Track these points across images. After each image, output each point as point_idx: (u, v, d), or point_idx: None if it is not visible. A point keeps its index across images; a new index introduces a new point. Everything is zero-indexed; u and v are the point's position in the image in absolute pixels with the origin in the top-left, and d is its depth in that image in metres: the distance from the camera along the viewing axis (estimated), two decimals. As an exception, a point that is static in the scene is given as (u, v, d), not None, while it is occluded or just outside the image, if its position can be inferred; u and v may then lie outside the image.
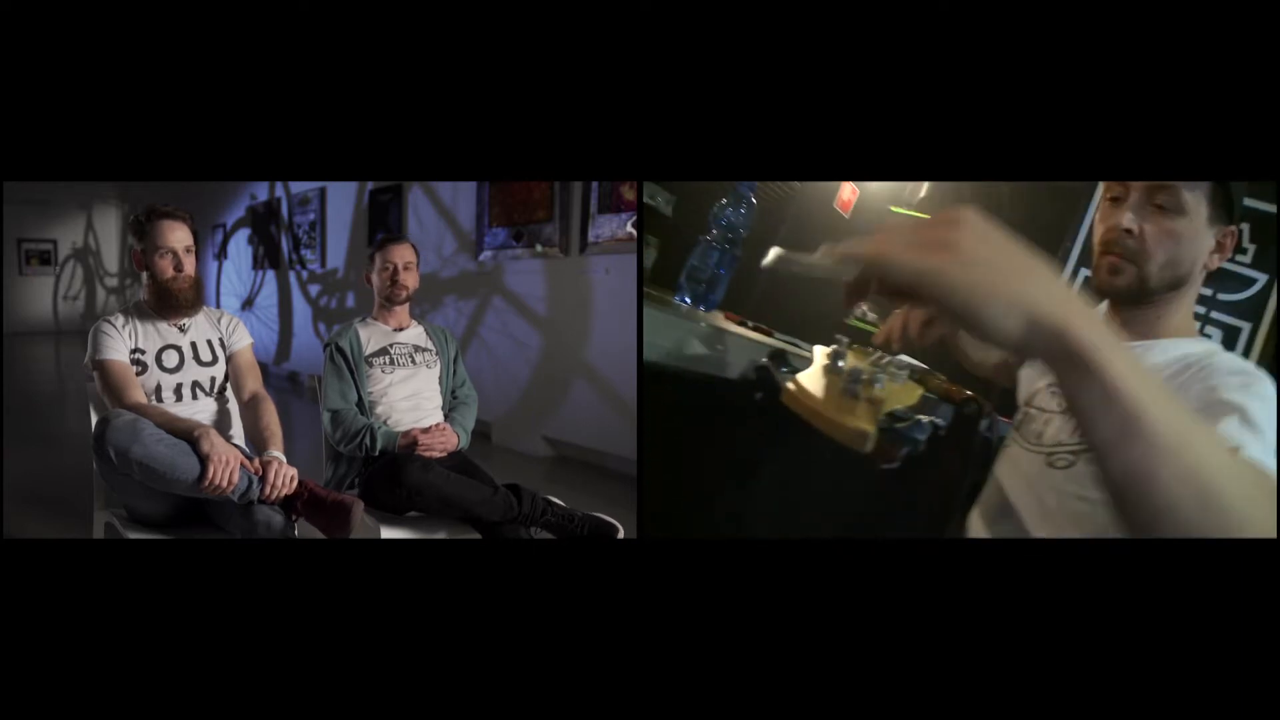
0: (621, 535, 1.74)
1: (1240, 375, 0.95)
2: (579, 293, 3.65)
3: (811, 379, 0.69)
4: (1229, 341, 2.50)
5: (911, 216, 1.99)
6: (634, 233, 3.37)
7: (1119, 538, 0.87)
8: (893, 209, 3.33)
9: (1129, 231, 1.08)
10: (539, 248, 3.87)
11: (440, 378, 1.96)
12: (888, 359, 0.95)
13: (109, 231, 9.24)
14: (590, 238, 3.60)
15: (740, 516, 1.58)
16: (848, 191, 3.34)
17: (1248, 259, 2.59)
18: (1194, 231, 1.07)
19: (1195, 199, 1.05)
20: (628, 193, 3.42)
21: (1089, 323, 0.52)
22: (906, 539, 1.08)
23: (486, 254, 4.21)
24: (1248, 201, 2.41)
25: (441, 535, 1.72)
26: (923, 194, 3.28)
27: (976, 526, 1.23)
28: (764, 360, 1.13)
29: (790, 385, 0.56)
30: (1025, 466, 1.17)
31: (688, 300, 1.59)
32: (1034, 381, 1.31)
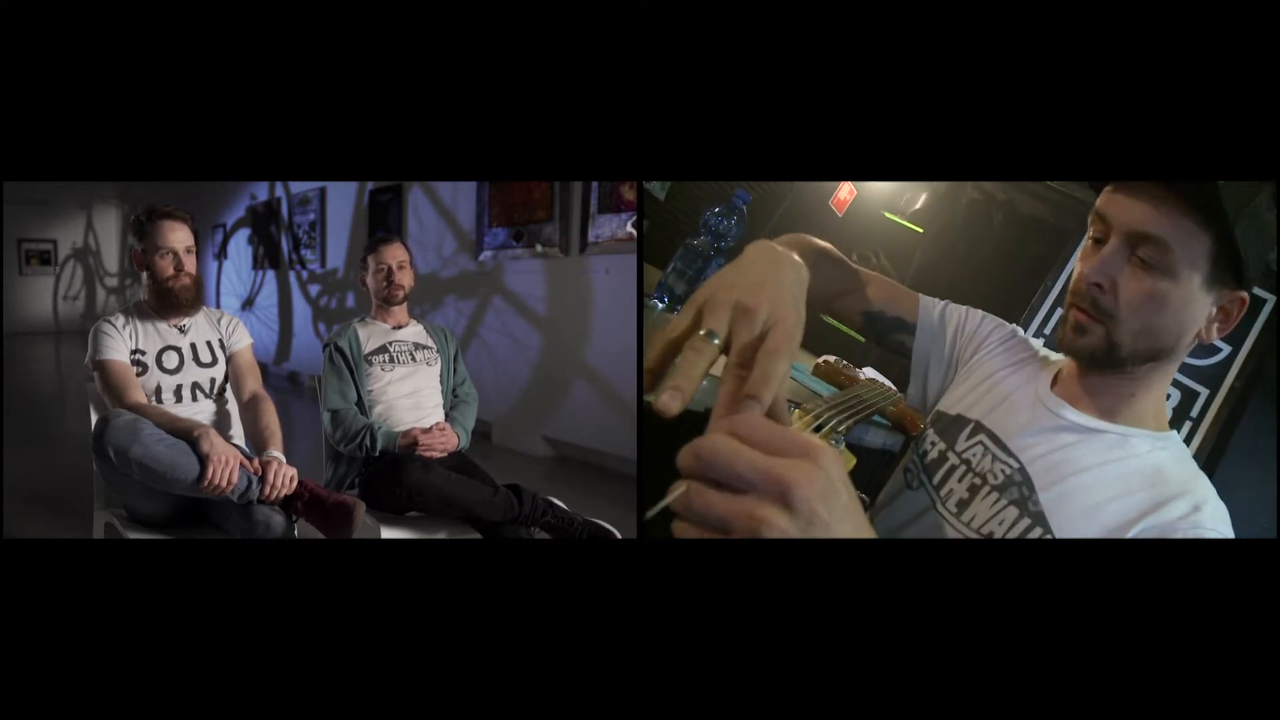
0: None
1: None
2: (579, 293, 3.65)
3: None
4: (1186, 405, 2.49)
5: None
6: (634, 233, 3.37)
7: (1118, 538, 0.88)
8: (886, 214, 3.32)
9: (1099, 285, 0.91)
10: (539, 248, 3.87)
11: (441, 375, 1.96)
12: (832, 421, 0.80)
13: (109, 231, 9.24)
14: (590, 238, 3.60)
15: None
16: (845, 191, 3.33)
17: (1218, 328, 2.56)
18: (1184, 296, 0.89)
19: (1189, 259, 0.87)
20: (628, 193, 3.42)
21: None
22: (908, 539, 1.07)
23: (486, 254, 4.21)
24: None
25: (441, 535, 1.72)
26: (919, 205, 3.26)
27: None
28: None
29: None
30: (928, 529, 1.03)
31: (665, 301, 1.58)
32: (960, 400, 1.11)
